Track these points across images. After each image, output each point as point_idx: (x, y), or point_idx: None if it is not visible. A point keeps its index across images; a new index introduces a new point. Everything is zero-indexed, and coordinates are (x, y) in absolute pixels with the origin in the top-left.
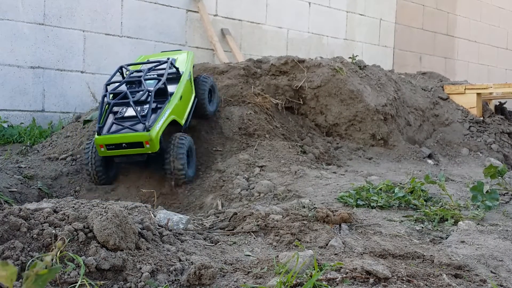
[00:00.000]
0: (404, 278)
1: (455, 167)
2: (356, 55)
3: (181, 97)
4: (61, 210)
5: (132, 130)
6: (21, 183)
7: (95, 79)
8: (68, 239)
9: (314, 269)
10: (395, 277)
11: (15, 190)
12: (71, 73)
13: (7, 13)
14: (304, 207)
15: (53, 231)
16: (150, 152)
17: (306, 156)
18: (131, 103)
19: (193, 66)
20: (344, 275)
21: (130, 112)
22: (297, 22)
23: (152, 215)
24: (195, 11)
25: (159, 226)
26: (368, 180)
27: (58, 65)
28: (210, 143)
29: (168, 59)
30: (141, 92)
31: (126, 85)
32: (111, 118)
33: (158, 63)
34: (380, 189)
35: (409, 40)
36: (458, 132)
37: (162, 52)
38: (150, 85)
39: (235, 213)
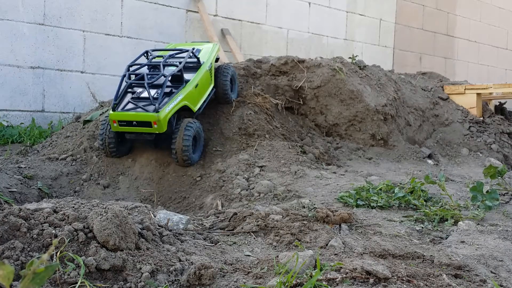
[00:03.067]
0: (404, 278)
1: (455, 167)
2: (356, 55)
3: (197, 85)
4: (61, 210)
5: (143, 110)
6: (21, 183)
7: (95, 79)
8: (68, 239)
9: (314, 269)
10: (395, 277)
11: (15, 190)
12: (71, 73)
13: (7, 13)
14: (304, 207)
15: (53, 231)
16: (157, 132)
17: (306, 156)
18: (146, 84)
19: (217, 59)
20: (344, 275)
21: (146, 93)
22: (297, 22)
23: (152, 215)
24: (195, 11)
25: (159, 226)
26: (368, 180)
27: (58, 65)
28: (210, 143)
29: (193, 48)
30: (157, 76)
31: (148, 68)
32: (128, 97)
33: (179, 51)
34: (380, 189)
35: (409, 40)
36: (458, 132)
37: (192, 42)
38: (170, 71)
39: (235, 213)
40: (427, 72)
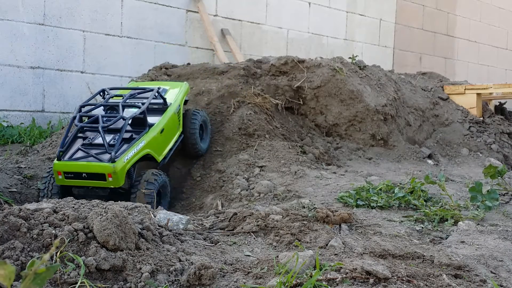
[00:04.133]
0: (404, 278)
1: (455, 167)
2: (356, 55)
3: (162, 130)
4: (61, 211)
5: (96, 160)
6: (21, 183)
7: (95, 79)
8: (68, 240)
9: (314, 269)
10: (395, 277)
11: (15, 190)
12: (71, 73)
13: (7, 13)
14: (304, 207)
15: (53, 232)
16: (112, 186)
17: (306, 156)
18: (100, 128)
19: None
20: (344, 275)
21: (100, 139)
22: (297, 22)
23: (152, 215)
24: (195, 11)
25: (159, 226)
26: (368, 180)
27: (58, 65)
28: (210, 143)
29: (159, 88)
30: (114, 119)
31: (104, 109)
32: (78, 144)
33: (142, 90)
34: (380, 189)
35: (409, 40)
36: (458, 132)
37: (158, 81)
38: (130, 113)
39: (235, 213)
40: (427, 72)
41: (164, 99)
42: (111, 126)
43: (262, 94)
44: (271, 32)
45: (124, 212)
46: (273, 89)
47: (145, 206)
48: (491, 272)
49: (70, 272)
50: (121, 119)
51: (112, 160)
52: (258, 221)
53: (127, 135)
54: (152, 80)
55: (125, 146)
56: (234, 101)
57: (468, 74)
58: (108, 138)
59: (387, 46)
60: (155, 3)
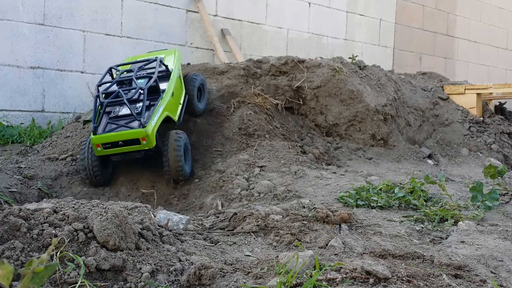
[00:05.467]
0: (404, 278)
1: (455, 167)
2: (356, 55)
3: (173, 94)
4: (61, 210)
5: (127, 128)
6: (21, 183)
7: (95, 79)
8: (68, 239)
9: (314, 269)
10: (395, 277)
11: (15, 190)
12: (71, 73)
13: (7, 13)
14: (304, 207)
15: (53, 231)
16: (147, 148)
17: (306, 156)
18: (125, 101)
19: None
20: (344, 275)
21: (124, 111)
22: (297, 22)
23: (152, 215)
24: (195, 11)
25: (159, 226)
26: (368, 180)
27: (58, 65)
28: (210, 144)
29: (156, 57)
30: (133, 91)
31: (117, 85)
32: (105, 118)
33: (147, 62)
34: (380, 189)
35: (409, 40)
36: (458, 132)
37: (148, 52)
38: (142, 83)
39: (235, 213)
40: (427, 72)
41: (166, 66)
42: (131, 97)
43: (262, 94)
44: (271, 32)
45: (124, 212)
46: (273, 89)
47: (145, 206)
48: (491, 272)
49: (70, 272)
50: (139, 90)
51: (143, 125)
52: (258, 221)
53: (146, 103)
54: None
55: (147, 113)
56: (234, 101)
57: (468, 74)
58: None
59: (387, 46)
60: (155, 3)
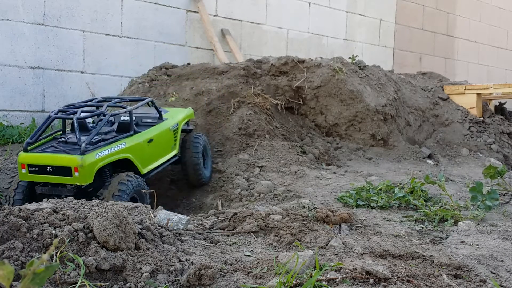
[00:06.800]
0: (404, 278)
1: (455, 167)
2: (356, 55)
3: (150, 140)
4: (61, 211)
5: (64, 153)
6: None
7: (95, 79)
8: (68, 240)
9: (314, 269)
10: (395, 277)
11: None
12: (71, 73)
13: (7, 13)
14: (304, 207)
15: (53, 232)
16: (78, 183)
17: (306, 156)
18: (74, 119)
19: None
20: (344, 275)
21: (74, 138)
22: (297, 22)
23: (152, 216)
24: (195, 11)
25: (159, 226)
26: (368, 180)
27: (58, 65)
28: (211, 144)
29: (152, 101)
30: (93, 112)
31: (96, 108)
32: (53, 141)
33: (138, 100)
34: (380, 189)
35: (409, 40)
36: (458, 132)
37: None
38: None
39: (235, 214)
40: (427, 72)
41: (160, 112)
42: (85, 118)
43: (262, 94)
44: (271, 32)
45: (124, 212)
46: (273, 89)
47: (145, 206)
48: (491, 272)
49: (70, 272)
50: (101, 115)
51: (82, 153)
52: (258, 221)
53: (109, 137)
54: (152, 80)
55: (101, 143)
56: (234, 101)
57: (468, 74)
58: (86, 137)
59: (387, 46)
60: (155, 3)
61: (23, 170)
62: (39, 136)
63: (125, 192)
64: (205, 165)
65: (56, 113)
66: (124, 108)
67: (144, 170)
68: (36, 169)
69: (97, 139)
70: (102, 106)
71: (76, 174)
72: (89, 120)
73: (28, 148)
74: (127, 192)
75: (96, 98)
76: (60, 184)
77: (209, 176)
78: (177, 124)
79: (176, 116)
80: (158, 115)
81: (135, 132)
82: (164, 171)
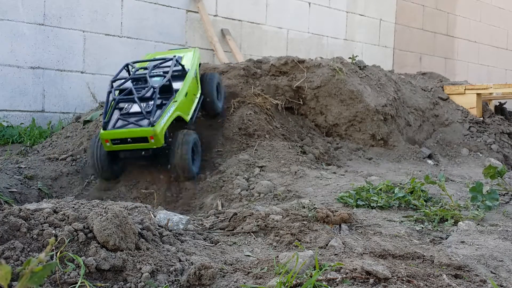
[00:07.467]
0: (404, 279)
1: (455, 167)
2: (356, 56)
3: (186, 94)
4: (61, 211)
5: (137, 126)
6: (21, 184)
7: (95, 79)
8: (68, 240)
9: (314, 270)
10: (395, 277)
11: (15, 190)
12: (71, 73)
13: (7, 13)
14: (304, 207)
15: (53, 232)
16: (154, 147)
17: (306, 157)
18: (136, 99)
19: (200, 64)
20: (344, 275)
21: (135, 108)
22: (297, 22)
23: (152, 216)
24: (195, 11)
25: (159, 226)
26: (368, 181)
27: (58, 65)
28: (211, 144)
29: (174, 56)
30: (146, 89)
31: (132, 82)
32: (116, 114)
33: (163, 61)
34: (380, 190)
35: (409, 40)
36: (458, 133)
37: (169, 50)
38: (156, 82)
39: (235, 214)
40: (427, 72)
41: (183, 66)
42: (143, 95)
43: (262, 94)
44: (271, 32)
45: (124, 212)
46: (273, 89)
47: (145, 206)
48: (491, 272)
49: (70, 272)
50: (152, 89)
51: (152, 124)
52: (258, 221)
53: (158, 102)
54: None
55: (159, 112)
56: (234, 101)
57: (468, 74)
58: (143, 106)
59: (387, 46)
60: (155, 3)
61: (107, 144)
62: (111, 114)
63: (189, 143)
64: (218, 98)
65: (116, 95)
66: (161, 75)
67: (188, 118)
68: (118, 141)
69: (153, 107)
70: (144, 75)
71: (152, 140)
72: (129, 84)
73: (105, 126)
74: (190, 142)
75: (127, 65)
76: (138, 149)
77: (221, 107)
78: (196, 70)
79: (191, 62)
80: (181, 69)
81: (174, 91)
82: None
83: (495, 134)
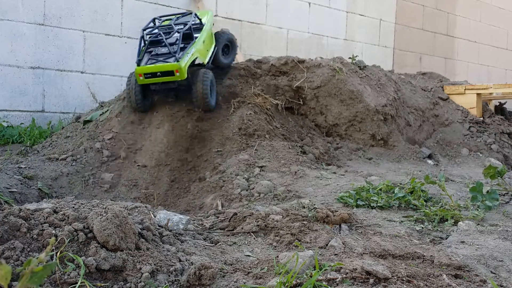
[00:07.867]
0: (404, 279)
1: (455, 167)
2: (356, 55)
3: (203, 41)
4: (61, 211)
5: (164, 62)
6: (21, 184)
7: (95, 79)
8: (68, 240)
9: (314, 270)
10: (395, 277)
11: (15, 190)
12: (71, 73)
13: (7, 13)
14: (304, 207)
15: (53, 232)
16: (179, 79)
17: (306, 157)
18: (165, 40)
19: (212, 19)
20: (344, 275)
21: (162, 50)
22: (297, 22)
23: (152, 216)
24: None
25: (159, 226)
26: (368, 181)
27: (58, 65)
28: (210, 144)
29: (195, 14)
30: (171, 33)
31: (159, 31)
32: (147, 56)
33: (184, 14)
34: (380, 190)
35: (409, 40)
36: (458, 133)
37: (189, 10)
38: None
39: (235, 214)
40: (427, 72)
41: (200, 20)
42: (169, 40)
43: (262, 94)
44: (271, 32)
45: (124, 212)
46: (273, 89)
47: (145, 206)
48: (491, 272)
49: (70, 272)
50: (176, 33)
51: (177, 60)
52: (258, 221)
53: (181, 45)
54: None
55: (182, 52)
56: (234, 101)
57: (468, 74)
58: (166, 49)
59: (387, 46)
60: (155, 3)
61: (141, 78)
62: (143, 54)
63: (208, 79)
64: (226, 55)
65: (148, 38)
66: (185, 23)
67: (205, 61)
68: (150, 75)
69: (178, 48)
70: (170, 25)
71: (177, 74)
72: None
73: (139, 63)
74: (209, 79)
75: (154, 19)
76: (165, 82)
77: (228, 63)
78: (211, 25)
79: (208, 19)
80: (199, 22)
81: (195, 38)
82: (164, 170)
83: (495, 134)
